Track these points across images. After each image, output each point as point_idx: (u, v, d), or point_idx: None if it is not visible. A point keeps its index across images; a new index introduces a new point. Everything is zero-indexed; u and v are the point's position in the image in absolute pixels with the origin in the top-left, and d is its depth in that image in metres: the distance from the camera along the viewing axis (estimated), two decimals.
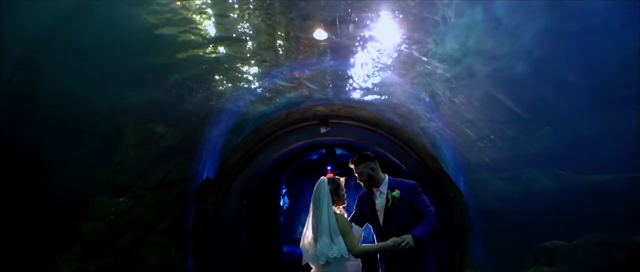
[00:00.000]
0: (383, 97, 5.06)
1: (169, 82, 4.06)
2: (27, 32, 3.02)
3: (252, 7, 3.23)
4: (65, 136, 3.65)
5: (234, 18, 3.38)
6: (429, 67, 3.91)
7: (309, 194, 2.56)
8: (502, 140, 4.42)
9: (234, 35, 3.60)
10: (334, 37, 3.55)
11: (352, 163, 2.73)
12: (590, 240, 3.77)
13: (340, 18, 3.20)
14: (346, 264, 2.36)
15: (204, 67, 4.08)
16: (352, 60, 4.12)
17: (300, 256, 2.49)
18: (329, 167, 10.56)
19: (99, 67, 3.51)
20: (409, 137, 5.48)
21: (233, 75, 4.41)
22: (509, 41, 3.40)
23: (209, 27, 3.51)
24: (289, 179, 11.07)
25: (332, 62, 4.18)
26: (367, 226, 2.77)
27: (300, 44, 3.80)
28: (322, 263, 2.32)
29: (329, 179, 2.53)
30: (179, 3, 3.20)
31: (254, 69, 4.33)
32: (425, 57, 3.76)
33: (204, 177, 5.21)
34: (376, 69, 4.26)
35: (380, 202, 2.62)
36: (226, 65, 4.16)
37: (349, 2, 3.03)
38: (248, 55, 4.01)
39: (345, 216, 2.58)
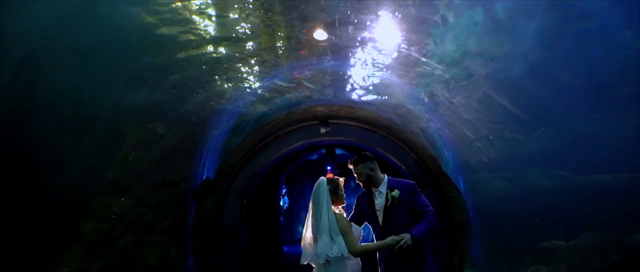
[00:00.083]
0: (382, 98, 5.08)
1: (169, 83, 4.07)
2: (27, 34, 3.03)
3: (252, 7, 3.25)
4: (66, 136, 3.66)
5: (234, 18, 3.39)
6: (428, 67, 3.93)
7: (308, 194, 2.57)
8: (501, 140, 4.45)
9: (234, 35, 3.61)
10: (333, 38, 3.56)
11: (351, 164, 2.74)
12: (588, 240, 3.80)
13: (340, 19, 3.21)
14: (346, 263, 2.37)
15: (204, 67, 4.09)
16: (351, 60, 4.14)
17: (300, 255, 2.50)
18: (328, 167, 10.57)
19: (99, 67, 3.52)
20: (408, 138, 5.49)
21: (233, 76, 4.42)
22: (507, 42, 3.42)
23: (209, 27, 3.52)
24: (289, 179, 11.08)
25: (332, 63, 4.19)
26: (366, 225, 2.78)
27: (300, 44, 3.81)
28: (322, 262, 2.34)
29: (328, 179, 2.54)
30: (179, 3, 3.21)
31: (254, 70, 4.34)
32: (425, 57, 3.78)
33: (204, 177, 5.22)
34: (376, 69, 4.27)
35: (379, 202, 2.63)
36: (226, 66, 4.17)
37: (349, 3, 3.05)
38: (248, 55, 4.02)
39: (345, 215, 2.60)
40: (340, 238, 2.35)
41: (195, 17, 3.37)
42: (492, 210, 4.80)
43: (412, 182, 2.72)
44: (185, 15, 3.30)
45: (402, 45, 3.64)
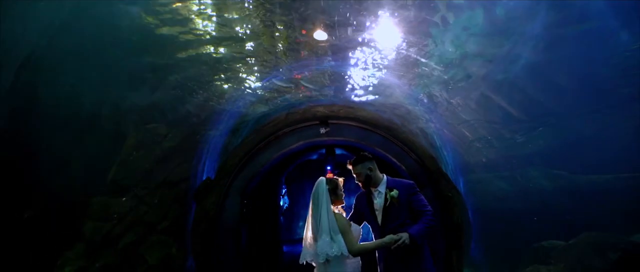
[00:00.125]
0: (382, 98, 5.09)
1: (170, 83, 4.09)
2: (28, 35, 3.05)
3: (252, 8, 3.26)
4: (67, 137, 3.68)
5: (235, 19, 3.41)
6: (426, 68, 3.94)
7: (308, 193, 2.59)
8: (499, 140, 4.47)
9: (234, 36, 3.62)
10: (333, 39, 3.58)
11: (350, 164, 2.75)
12: (586, 239, 3.82)
13: (340, 20, 3.23)
14: (346, 262, 2.39)
15: (204, 67, 4.11)
16: (351, 61, 4.15)
17: (300, 255, 2.52)
18: (328, 167, 10.56)
19: (100, 67, 3.54)
20: (407, 138, 5.51)
21: (233, 76, 4.44)
22: (506, 43, 3.43)
23: (209, 27, 3.53)
24: (289, 178, 11.09)
25: (331, 63, 4.21)
26: (366, 225, 2.79)
27: (300, 45, 3.83)
28: (322, 261, 2.36)
29: (327, 179, 2.56)
30: (179, 4, 3.22)
31: (254, 70, 4.36)
32: (424, 58, 3.79)
33: (205, 177, 5.24)
34: (375, 70, 4.29)
35: (378, 202, 2.64)
36: (226, 66, 4.19)
37: (348, 5, 3.06)
38: (248, 56, 4.03)
39: (344, 215, 2.61)
40: (339, 237, 2.37)
41: (196, 18, 3.39)
42: (492, 210, 4.82)
43: (411, 182, 2.73)
44: (185, 15, 3.31)
45: (402, 46, 3.66)
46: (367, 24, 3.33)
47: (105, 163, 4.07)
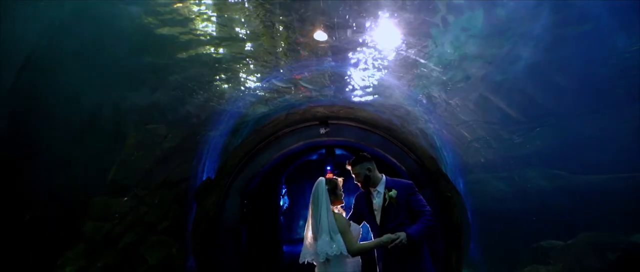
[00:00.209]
0: (381, 99, 5.11)
1: (170, 83, 4.10)
2: (28, 35, 3.06)
3: (252, 8, 3.27)
4: (67, 137, 3.69)
5: (235, 19, 3.42)
6: (425, 70, 3.96)
7: (308, 193, 2.60)
8: (497, 141, 4.49)
9: (235, 36, 3.64)
10: (333, 39, 3.59)
11: (348, 164, 2.76)
12: (584, 239, 3.83)
13: (339, 22, 3.24)
14: (346, 261, 2.41)
15: (204, 68, 4.12)
16: (351, 62, 4.17)
17: (299, 255, 2.53)
18: (328, 167, 10.56)
19: (100, 68, 3.54)
20: (407, 138, 5.52)
21: (233, 77, 4.45)
22: (505, 44, 3.45)
23: (210, 28, 3.54)
24: (289, 179, 11.09)
25: (331, 64, 4.22)
26: (365, 224, 2.81)
27: (300, 45, 3.84)
28: (322, 260, 2.37)
29: (326, 179, 2.57)
30: (180, 4, 3.23)
31: (254, 71, 4.37)
32: (423, 59, 3.81)
33: (205, 178, 5.25)
34: (375, 70, 4.30)
35: (377, 202, 2.65)
36: (226, 67, 4.20)
37: (348, 6, 3.07)
38: (248, 56, 4.04)
39: (344, 215, 2.63)
40: (339, 237, 2.38)
41: (196, 18, 3.39)
42: (490, 210, 4.84)
43: (410, 182, 2.74)
44: (185, 15, 3.32)
45: (401, 47, 3.67)
46: (367, 25, 3.34)
47: (105, 163, 4.08)
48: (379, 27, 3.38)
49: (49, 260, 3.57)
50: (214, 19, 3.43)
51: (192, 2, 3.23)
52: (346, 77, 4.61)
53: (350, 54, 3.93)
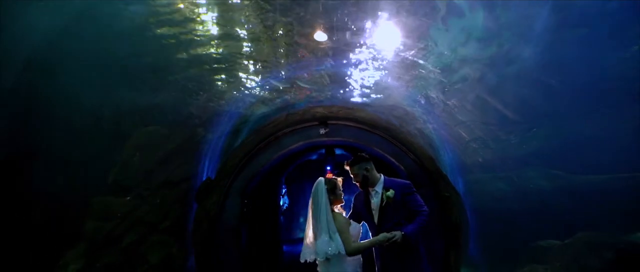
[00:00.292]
0: (380, 99, 5.13)
1: (170, 84, 4.11)
2: (29, 36, 3.07)
3: (252, 8, 3.28)
4: (68, 137, 3.70)
5: (235, 20, 3.43)
6: (423, 70, 3.98)
7: (308, 193, 2.64)
8: (495, 141, 4.50)
9: (235, 37, 3.65)
10: (333, 40, 3.61)
11: (347, 165, 2.79)
12: (583, 239, 3.84)
13: (338, 23, 3.25)
14: (346, 260, 2.44)
15: (204, 68, 4.13)
16: (350, 62, 4.18)
17: (299, 254, 2.56)
18: (328, 167, 10.59)
19: (100, 68, 3.55)
20: (406, 138, 5.54)
21: (233, 77, 4.46)
22: (505, 45, 3.46)
23: (210, 28, 3.56)
24: (289, 179, 11.11)
25: (331, 64, 4.24)
26: (364, 223, 2.83)
27: (300, 46, 3.86)
28: (322, 260, 2.41)
29: (325, 179, 2.60)
30: (181, 5, 3.24)
31: (254, 71, 4.39)
32: (421, 60, 3.82)
33: (205, 178, 5.27)
34: (374, 71, 4.32)
35: (375, 201, 2.68)
36: (226, 67, 4.21)
37: (347, 6, 3.08)
38: (248, 57, 4.06)
39: (344, 214, 2.65)
40: (337, 236, 2.41)
41: (196, 18, 3.41)
42: (490, 210, 4.85)
43: (408, 182, 2.77)
44: (185, 15, 3.33)
45: (400, 48, 3.69)
46: (366, 26, 3.36)
47: (106, 164, 4.10)
48: (378, 28, 3.40)
49: (50, 260, 3.58)
50: (214, 19, 3.44)
51: (192, 2, 3.24)
52: (346, 78, 4.63)
53: (349, 55, 3.95)
